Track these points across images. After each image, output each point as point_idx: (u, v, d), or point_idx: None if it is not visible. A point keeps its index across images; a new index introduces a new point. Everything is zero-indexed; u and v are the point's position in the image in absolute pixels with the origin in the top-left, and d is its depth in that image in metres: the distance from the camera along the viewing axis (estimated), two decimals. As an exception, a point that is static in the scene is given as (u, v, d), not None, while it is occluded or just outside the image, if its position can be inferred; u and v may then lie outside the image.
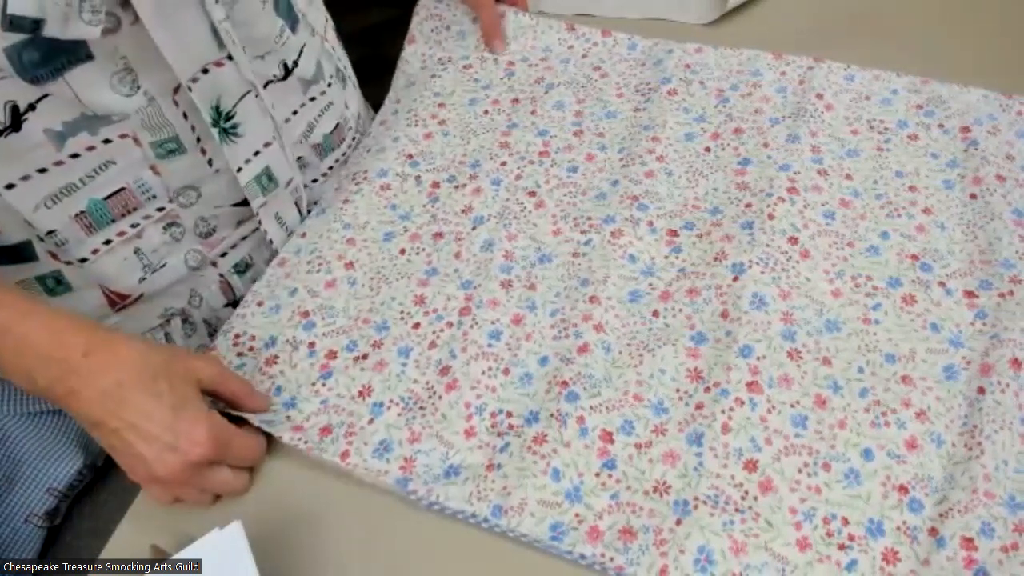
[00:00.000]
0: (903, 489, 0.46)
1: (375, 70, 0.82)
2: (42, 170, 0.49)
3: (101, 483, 0.68)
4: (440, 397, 0.52)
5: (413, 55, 0.79)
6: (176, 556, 0.42)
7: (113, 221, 0.54)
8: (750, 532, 0.45)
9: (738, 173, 0.63)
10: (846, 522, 0.45)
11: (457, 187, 0.65)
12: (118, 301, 0.58)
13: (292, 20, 0.61)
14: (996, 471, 0.46)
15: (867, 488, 0.46)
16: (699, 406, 0.50)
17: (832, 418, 0.49)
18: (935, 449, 0.47)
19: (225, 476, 0.49)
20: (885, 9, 0.76)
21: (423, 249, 0.61)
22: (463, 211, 0.63)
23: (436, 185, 0.65)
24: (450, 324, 0.56)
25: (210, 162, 0.57)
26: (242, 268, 0.65)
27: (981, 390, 0.49)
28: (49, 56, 0.45)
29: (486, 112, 0.71)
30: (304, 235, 0.64)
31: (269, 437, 0.52)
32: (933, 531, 0.44)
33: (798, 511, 0.46)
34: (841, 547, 0.44)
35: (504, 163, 0.66)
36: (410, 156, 0.68)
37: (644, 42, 0.75)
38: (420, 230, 0.62)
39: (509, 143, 0.68)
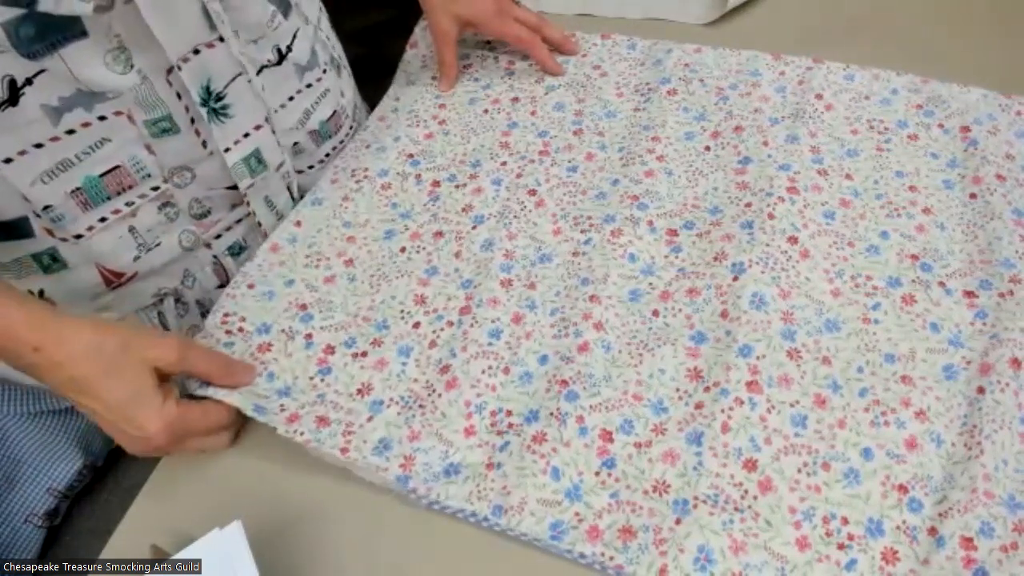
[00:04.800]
0: (903, 489, 0.46)
1: (375, 70, 0.83)
2: (39, 145, 0.50)
3: (101, 483, 0.68)
4: (440, 395, 0.52)
5: (414, 56, 0.80)
6: (176, 556, 0.42)
7: (108, 199, 0.54)
8: (749, 531, 0.45)
9: (738, 172, 0.63)
10: (845, 521, 0.45)
11: (457, 186, 0.65)
12: (113, 279, 0.58)
13: (284, 6, 0.62)
14: (996, 471, 0.46)
15: (867, 488, 0.46)
16: (699, 405, 0.50)
17: (832, 418, 0.49)
18: (935, 449, 0.47)
19: (201, 444, 0.50)
20: (885, 9, 0.76)
21: (423, 248, 0.61)
22: (463, 210, 0.63)
23: (437, 184, 0.65)
24: (450, 323, 0.56)
25: (204, 144, 0.57)
26: (236, 251, 0.66)
27: (981, 390, 0.49)
28: (44, 31, 0.46)
29: (486, 111, 0.71)
30: (299, 224, 0.63)
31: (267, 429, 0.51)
32: (933, 531, 0.44)
33: (797, 510, 0.46)
34: (840, 547, 0.44)
35: (504, 163, 0.66)
36: (411, 155, 0.68)
37: (643, 42, 0.75)
38: (421, 229, 0.62)
39: (509, 143, 0.68)
